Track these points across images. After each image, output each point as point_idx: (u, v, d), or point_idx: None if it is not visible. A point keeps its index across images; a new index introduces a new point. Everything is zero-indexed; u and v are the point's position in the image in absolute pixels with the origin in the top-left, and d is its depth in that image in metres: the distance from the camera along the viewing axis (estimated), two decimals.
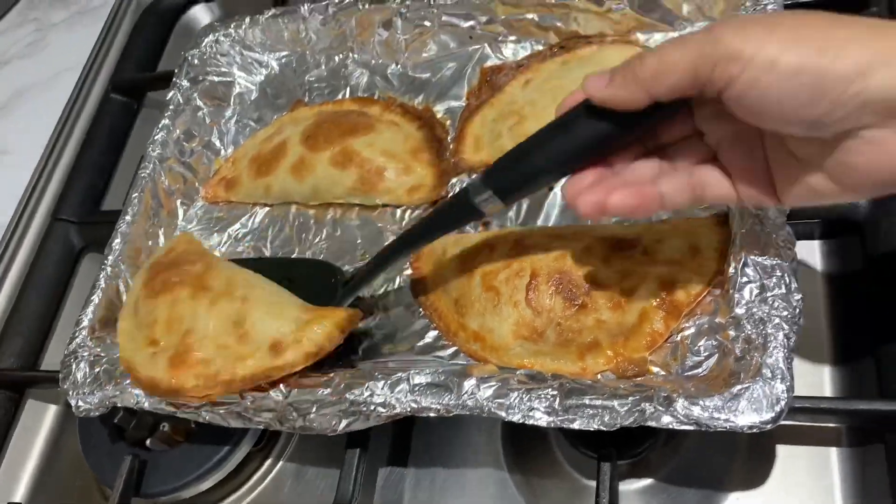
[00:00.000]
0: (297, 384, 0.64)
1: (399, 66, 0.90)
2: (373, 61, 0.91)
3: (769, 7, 0.68)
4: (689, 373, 0.57)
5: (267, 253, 0.82)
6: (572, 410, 0.54)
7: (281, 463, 0.75)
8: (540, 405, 0.55)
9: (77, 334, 0.76)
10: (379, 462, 0.71)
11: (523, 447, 0.68)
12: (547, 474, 0.66)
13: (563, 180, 0.53)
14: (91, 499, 0.81)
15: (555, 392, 0.55)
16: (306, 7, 0.93)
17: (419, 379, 0.59)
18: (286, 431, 0.74)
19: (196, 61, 0.95)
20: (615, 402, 0.53)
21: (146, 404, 0.68)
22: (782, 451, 0.62)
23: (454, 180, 0.78)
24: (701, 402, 0.51)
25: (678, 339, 0.59)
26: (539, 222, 0.73)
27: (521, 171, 0.54)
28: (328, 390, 0.62)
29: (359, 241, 0.79)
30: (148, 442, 0.73)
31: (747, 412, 0.50)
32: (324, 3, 0.92)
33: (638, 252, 0.63)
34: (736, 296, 0.55)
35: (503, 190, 0.55)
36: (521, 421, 0.55)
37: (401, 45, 0.89)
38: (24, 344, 0.89)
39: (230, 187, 0.89)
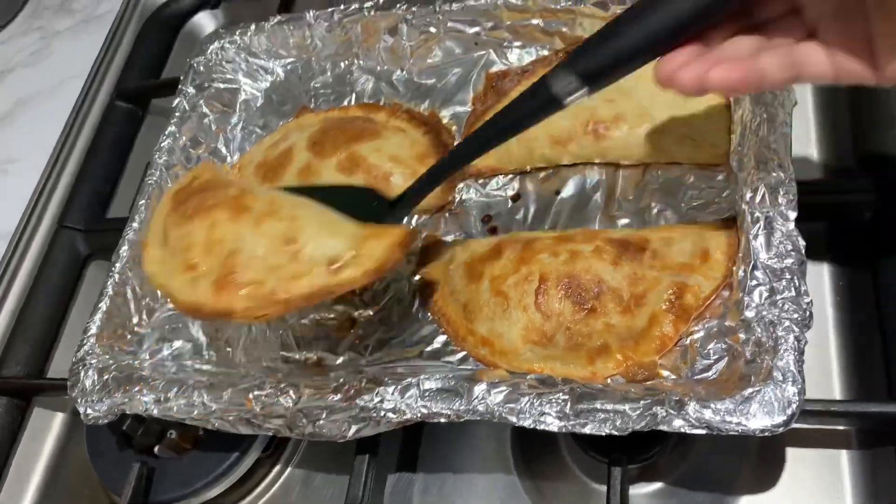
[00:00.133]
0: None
1: (405, 72, 0.90)
2: (378, 67, 0.91)
3: None
4: (699, 376, 0.58)
5: None
6: (583, 415, 0.54)
7: (289, 469, 0.75)
8: (551, 410, 0.55)
9: (85, 342, 0.75)
10: (388, 468, 0.71)
11: (533, 452, 0.68)
12: (557, 479, 0.66)
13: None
14: None
15: (566, 397, 0.55)
16: (311, 14, 0.93)
17: (429, 384, 0.59)
18: (295, 438, 0.74)
19: (202, 68, 0.95)
20: (626, 407, 0.53)
21: (155, 411, 0.68)
22: (792, 454, 0.62)
23: (461, 185, 0.79)
24: (712, 406, 0.51)
25: (688, 342, 0.60)
26: (547, 227, 0.73)
27: (612, 51, 0.50)
28: (338, 396, 0.62)
29: None
30: (156, 449, 0.73)
31: (759, 415, 0.50)
32: (329, 10, 0.92)
33: (647, 256, 0.63)
34: (745, 299, 0.56)
35: (590, 73, 0.51)
36: (532, 426, 0.55)
37: (406, 52, 0.89)
38: (30, 351, 0.89)
39: None
